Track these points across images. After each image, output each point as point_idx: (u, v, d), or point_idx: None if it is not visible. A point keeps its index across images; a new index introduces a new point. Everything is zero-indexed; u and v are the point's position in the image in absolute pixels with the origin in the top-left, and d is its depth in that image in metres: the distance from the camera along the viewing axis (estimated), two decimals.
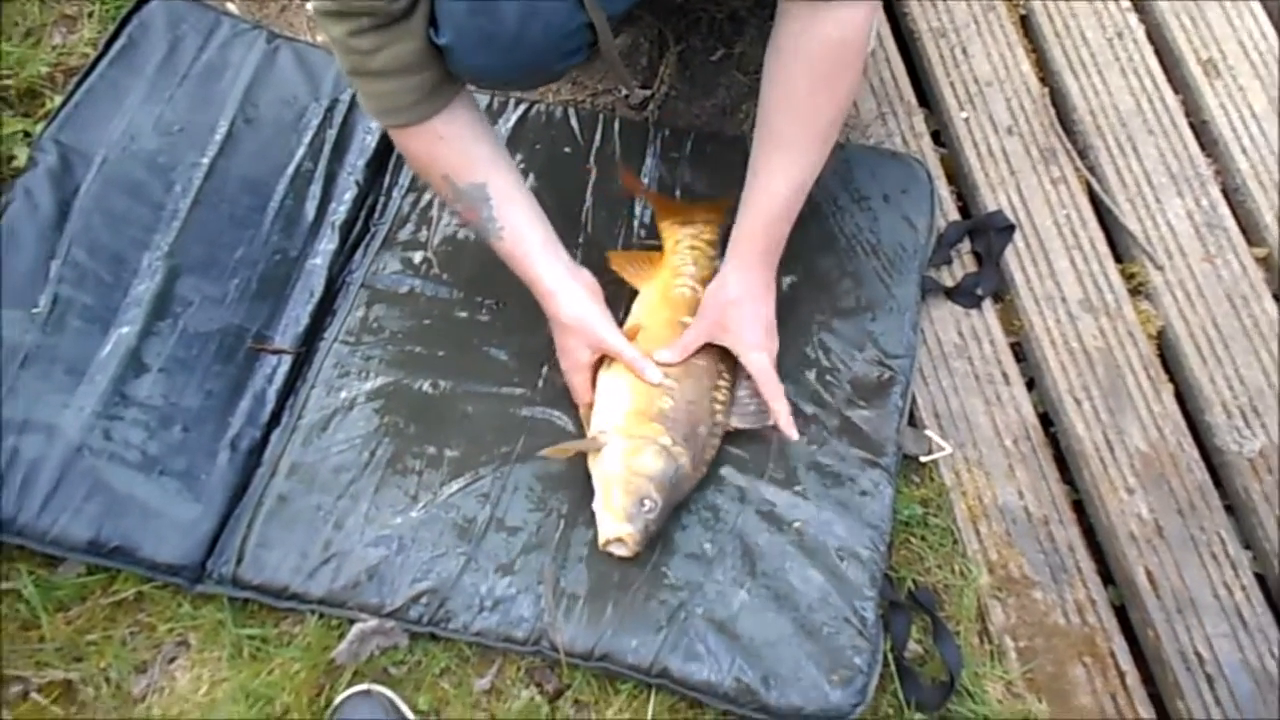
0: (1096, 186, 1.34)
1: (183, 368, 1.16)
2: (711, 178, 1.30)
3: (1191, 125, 1.38)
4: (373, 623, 1.07)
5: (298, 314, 1.22)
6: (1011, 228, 1.30)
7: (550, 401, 1.17)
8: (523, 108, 1.35)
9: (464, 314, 1.23)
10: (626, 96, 1.37)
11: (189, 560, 1.08)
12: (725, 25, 1.37)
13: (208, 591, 1.09)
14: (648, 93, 1.37)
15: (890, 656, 1.06)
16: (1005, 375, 1.24)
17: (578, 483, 1.11)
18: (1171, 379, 1.25)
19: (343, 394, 1.18)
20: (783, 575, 1.08)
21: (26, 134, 1.30)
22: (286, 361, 1.19)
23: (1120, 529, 1.16)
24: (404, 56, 0.93)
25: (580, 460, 1.11)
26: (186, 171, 1.26)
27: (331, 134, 1.32)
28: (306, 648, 1.07)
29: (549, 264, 1.08)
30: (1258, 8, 1.44)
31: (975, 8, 1.45)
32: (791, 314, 1.20)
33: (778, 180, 1.03)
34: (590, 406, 1.12)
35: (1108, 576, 1.16)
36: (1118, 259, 1.31)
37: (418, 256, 1.26)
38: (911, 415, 1.20)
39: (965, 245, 1.31)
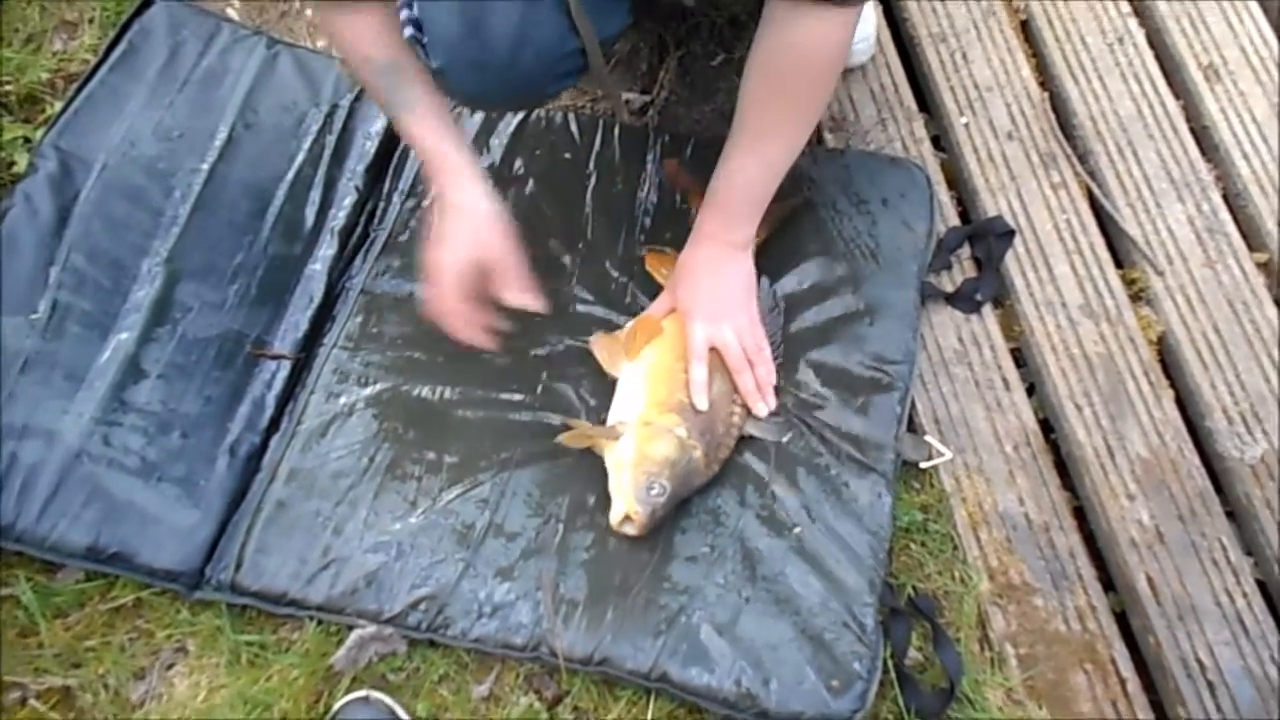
0: (1097, 192, 1.34)
1: (182, 373, 1.17)
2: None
3: (1192, 130, 1.38)
4: (371, 629, 1.07)
5: (297, 319, 1.22)
6: (1012, 233, 1.29)
7: (549, 407, 1.17)
8: (522, 113, 1.34)
9: None
10: (627, 103, 1.37)
11: (187, 566, 1.08)
12: (725, 30, 1.37)
13: (206, 598, 1.09)
14: (647, 98, 1.37)
15: (890, 663, 1.06)
16: (1005, 381, 1.23)
17: (577, 488, 1.12)
18: (1172, 385, 1.24)
19: (342, 400, 1.18)
20: (783, 580, 1.08)
21: (27, 140, 1.30)
22: (286, 367, 1.19)
23: (1121, 535, 1.15)
24: None
25: (580, 465, 1.11)
26: (186, 177, 1.26)
27: (331, 140, 1.32)
28: (305, 654, 1.07)
29: (462, 145, 1.07)
30: (1258, 12, 1.44)
31: (975, 13, 1.45)
32: (791, 318, 1.20)
33: (734, 163, 1.07)
34: (437, 312, 1.08)
35: (1108, 583, 1.15)
36: (1118, 264, 1.31)
37: (417, 262, 1.26)
38: (911, 421, 1.20)
39: (965, 250, 1.30)
